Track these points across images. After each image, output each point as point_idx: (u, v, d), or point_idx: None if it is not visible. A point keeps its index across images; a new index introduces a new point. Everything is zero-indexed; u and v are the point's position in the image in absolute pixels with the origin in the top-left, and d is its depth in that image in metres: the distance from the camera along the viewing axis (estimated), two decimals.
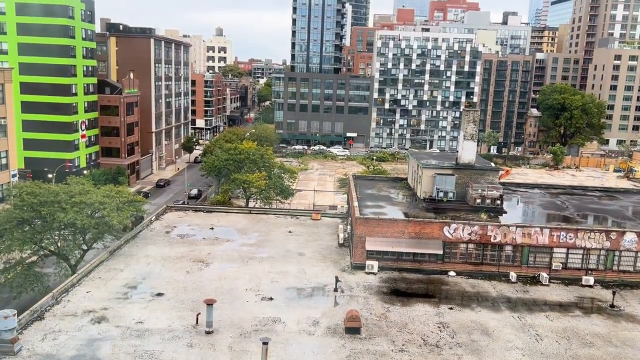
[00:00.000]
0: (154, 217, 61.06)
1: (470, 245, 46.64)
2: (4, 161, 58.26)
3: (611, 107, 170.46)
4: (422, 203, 55.10)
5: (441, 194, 54.31)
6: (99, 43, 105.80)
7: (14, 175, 59.78)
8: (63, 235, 48.78)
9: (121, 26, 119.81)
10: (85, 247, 49.74)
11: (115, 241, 51.29)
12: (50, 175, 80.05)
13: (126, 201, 52.27)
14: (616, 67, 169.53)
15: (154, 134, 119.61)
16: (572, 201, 61.02)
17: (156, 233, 55.58)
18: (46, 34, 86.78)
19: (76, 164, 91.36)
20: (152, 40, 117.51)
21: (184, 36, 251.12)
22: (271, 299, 40.11)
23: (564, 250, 46.42)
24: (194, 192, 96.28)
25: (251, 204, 78.17)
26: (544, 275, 45.73)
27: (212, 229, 57.72)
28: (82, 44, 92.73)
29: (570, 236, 46.21)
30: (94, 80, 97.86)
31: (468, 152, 57.61)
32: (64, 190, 48.94)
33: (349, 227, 54.89)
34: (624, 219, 53.69)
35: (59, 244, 48.21)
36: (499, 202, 52.83)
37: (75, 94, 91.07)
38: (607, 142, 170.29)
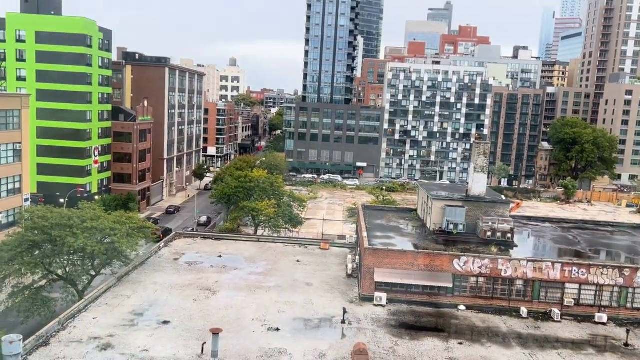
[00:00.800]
0: (163, 244, 61.08)
1: (481, 279, 46.02)
2: (17, 185, 58.93)
3: (623, 142, 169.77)
4: (432, 235, 54.72)
5: (451, 226, 53.94)
6: (115, 71, 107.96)
7: (26, 200, 60.34)
8: (72, 260, 48.86)
9: (137, 55, 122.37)
10: (93, 273, 49.72)
11: (123, 267, 51.26)
12: (62, 200, 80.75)
13: (136, 227, 52.45)
14: (627, 102, 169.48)
15: (165, 161, 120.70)
16: (584, 236, 60.29)
17: (164, 260, 55.52)
18: (64, 61, 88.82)
19: (88, 190, 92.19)
20: (166, 69, 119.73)
21: (199, 65, 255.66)
22: (278, 329, 39.63)
23: (576, 286, 45.63)
24: (204, 219, 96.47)
25: (260, 232, 78.06)
26: (556, 311, 44.87)
27: (220, 256, 57.56)
28: (98, 71, 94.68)
29: (582, 272, 45.48)
30: (109, 107, 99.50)
31: (478, 184, 57.41)
32: (76, 215, 49.27)
33: (357, 257, 54.51)
34: (637, 255, 52.85)
35: (67, 269, 48.25)
36: (509, 235, 52.33)
37: (90, 120, 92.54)
38: (619, 177, 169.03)
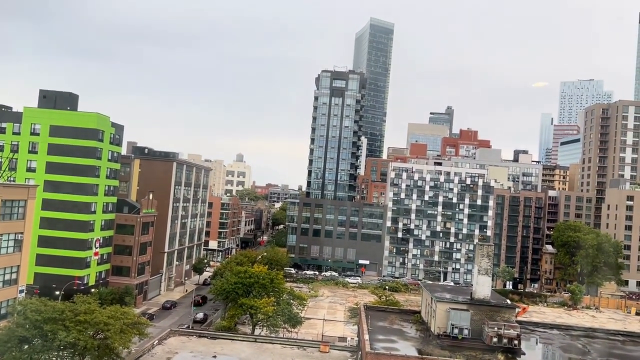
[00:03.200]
0: (157, 341, 58.94)
1: None
2: (14, 276, 57.98)
3: (628, 247, 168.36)
4: (436, 339, 52.71)
5: (456, 330, 52.10)
6: (124, 164, 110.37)
7: (21, 291, 59.14)
8: (62, 356, 46.95)
9: (146, 149, 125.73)
10: None
11: None
12: (57, 292, 79.16)
13: (130, 323, 50.88)
14: (629, 208, 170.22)
15: (166, 254, 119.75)
16: (594, 345, 57.91)
17: (157, 358, 53.24)
18: (75, 154, 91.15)
19: (85, 282, 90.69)
20: (174, 164, 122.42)
21: (206, 160, 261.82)
22: None
23: None
24: (200, 315, 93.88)
25: (257, 331, 75.46)
26: None
27: (214, 357, 55.22)
28: (107, 164, 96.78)
29: None
30: (114, 199, 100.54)
31: (483, 287, 56.21)
32: (69, 309, 48.05)
33: None
34: None
35: None
36: (516, 342, 50.35)
37: (94, 212, 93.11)
38: (626, 283, 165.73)
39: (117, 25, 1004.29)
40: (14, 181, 78.50)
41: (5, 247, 56.48)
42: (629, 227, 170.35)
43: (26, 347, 45.25)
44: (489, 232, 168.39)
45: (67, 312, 47.07)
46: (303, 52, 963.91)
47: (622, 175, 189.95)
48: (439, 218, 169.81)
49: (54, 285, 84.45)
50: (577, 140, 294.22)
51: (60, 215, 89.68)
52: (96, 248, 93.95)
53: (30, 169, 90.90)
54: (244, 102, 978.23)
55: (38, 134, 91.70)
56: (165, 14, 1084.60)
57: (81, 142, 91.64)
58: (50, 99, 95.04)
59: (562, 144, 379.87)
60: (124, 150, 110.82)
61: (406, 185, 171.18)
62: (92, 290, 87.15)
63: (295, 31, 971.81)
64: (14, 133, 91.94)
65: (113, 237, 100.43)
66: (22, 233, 58.47)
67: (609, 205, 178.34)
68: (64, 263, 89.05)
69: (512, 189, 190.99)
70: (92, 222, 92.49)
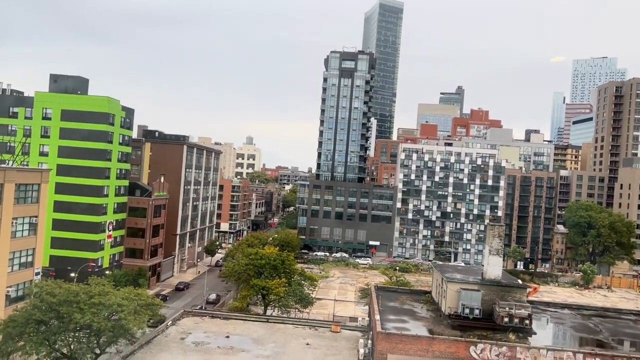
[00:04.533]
0: (171, 321, 59.86)
1: None
2: (29, 259, 58.95)
3: None
4: (447, 319, 52.98)
5: (467, 310, 52.29)
6: (135, 148, 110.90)
7: (37, 274, 60.13)
8: (77, 337, 47.84)
9: (157, 133, 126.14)
10: (98, 351, 48.42)
11: (129, 346, 49.95)
12: (72, 275, 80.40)
13: (144, 304, 51.60)
14: None
15: (178, 237, 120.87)
16: (606, 324, 57.91)
17: (171, 339, 54.12)
18: (86, 138, 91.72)
19: (99, 264, 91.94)
20: (184, 147, 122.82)
21: (216, 143, 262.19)
22: None
23: None
24: (213, 296, 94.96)
25: (269, 312, 76.31)
26: None
27: (227, 337, 56.03)
28: (118, 148, 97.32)
29: None
30: (126, 182, 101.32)
31: (494, 267, 56.21)
32: (83, 291, 48.81)
33: (369, 342, 52.68)
34: None
35: (72, 347, 47.13)
36: (527, 321, 50.47)
37: (107, 195, 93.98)
38: (638, 262, 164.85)
39: (125, 8, 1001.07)
40: (27, 165, 79.40)
41: (20, 230, 57.31)
42: None
43: (43, 328, 46.15)
44: (499, 213, 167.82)
45: (82, 294, 47.80)
46: (312, 33, 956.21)
47: (636, 154, 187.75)
48: (450, 199, 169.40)
49: (69, 268, 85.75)
50: (590, 119, 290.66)
51: (74, 198, 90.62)
52: (109, 231, 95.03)
53: (42, 153, 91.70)
54: (253, 85, 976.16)
55: (50, 119, 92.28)
56: None
57: (92, 126, 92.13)
58: (61, 83, 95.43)
59: (575, 123, 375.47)
60: (134, 134, 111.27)
61: (416, 166, 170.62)
62: (107, 272, 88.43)
63: (304, 12, 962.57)
64: (26, 118, 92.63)
65: (126, 220, 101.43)
66: (36, 216, 59.25)
67: (621, 185, 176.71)
68: (78, 246, 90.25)
69: (524, 169, 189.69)
70: (104, 205, 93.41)
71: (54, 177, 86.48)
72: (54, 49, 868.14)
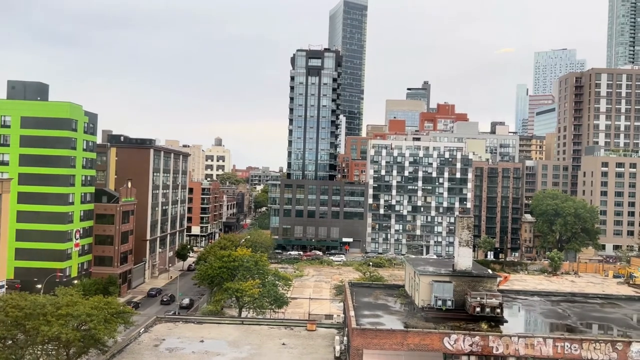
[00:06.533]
0: (143, 329, 58.76)
1: (472, 357, 44.53)
2: None
3: (604, 213, 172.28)
4: (421, 312, 53.49)
5: (439, 302, 52.88)
6: (100, 153, 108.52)
7: (1, 287, 58.33)
8: (46, 349, 46.60)
9: (122, 137, 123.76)
10: None
11: (100, 355, 48.89)
12: (39, 286, 78.25)
13: (115, 312, 50.62)
14: (604, 174, 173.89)
15: (148, 242, 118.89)
16: (574, 309, 59.42)
17: (144, 346, 53.14)
18: (49, 145, 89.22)
19: (67, 274, 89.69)
20: (151, 151, 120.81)
21: (184, 146, 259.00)
22: None
23: None
24: (186, 301, 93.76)
25: (244, 314, 75.78)
26: None
27: (202, 341, 55.34)
28: (82, 154, 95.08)
29: (575, 347, 44.35)
30: (92, 189, 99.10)
31: (464, 258, 57.00)
32: (50, 302, 47.54)
33: (345, 338, 52.78)
34: (629, 328, 51.95)
35: None
36: (499, 310, 51.32)
37: (72, 203, 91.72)
38: (603, 247, 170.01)
39: (86, 10, 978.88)
40: None
41: None
42: (604, 193, 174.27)
43: (9, 342, 44.78)
44: (468, 204, 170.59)
45: (49, 305, 46.58)
46: (278, 33, 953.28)
47: (597, 142, 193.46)
48: (420, 193, 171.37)
49: (36, 279, 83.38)
50: (552, 110, 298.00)
51: (38, 207, 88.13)
52: (76, 239, 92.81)
53: (3, 162, 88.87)
54: (220, 86, 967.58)
55: (9, 126, 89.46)
56: None
57: (54, 133, 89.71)
58: (19, 90, 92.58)
59: (538, 114, 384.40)
60: (99, 139, 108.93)
61: (386, 162, 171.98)
62: (75, 281, 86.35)
63: (268, 11, 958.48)
64: None
65: (93, 227, 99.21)
66: None
67: (584, 173, 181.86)
68: (45, 256, 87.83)
69: (490, 160, 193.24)
70: (70, 213, 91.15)
71: (15, 187, 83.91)
72: (9, 53, 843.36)
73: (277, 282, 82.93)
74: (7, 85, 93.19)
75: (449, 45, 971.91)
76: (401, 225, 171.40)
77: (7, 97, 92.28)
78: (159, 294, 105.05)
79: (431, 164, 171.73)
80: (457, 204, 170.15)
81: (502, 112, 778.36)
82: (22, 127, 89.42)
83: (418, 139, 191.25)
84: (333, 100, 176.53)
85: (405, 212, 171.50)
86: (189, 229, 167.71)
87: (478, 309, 51.19)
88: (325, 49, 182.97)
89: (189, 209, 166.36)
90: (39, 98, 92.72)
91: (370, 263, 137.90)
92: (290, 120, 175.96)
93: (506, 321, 51.03)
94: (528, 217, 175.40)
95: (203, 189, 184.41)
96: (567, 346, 44.37)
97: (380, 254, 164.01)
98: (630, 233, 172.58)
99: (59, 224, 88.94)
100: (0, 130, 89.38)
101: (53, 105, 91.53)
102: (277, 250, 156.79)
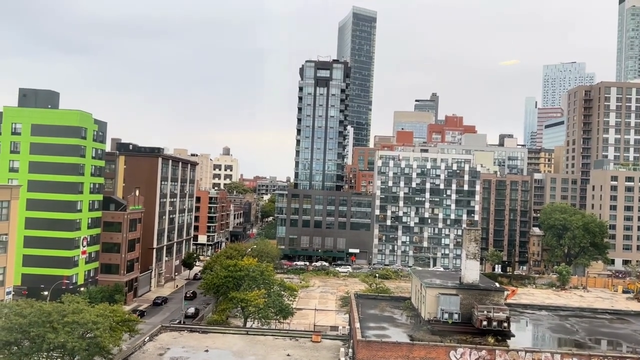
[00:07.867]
0: (148, 337, 58.70)
1: None
2: (0, 278, 57.39)
3: (613, 227, 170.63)
4: (427, 325, 53.09)
5: (446, 315, 52.49)
6: (108, 161, 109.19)
7: (8, 293, 58.51)
8: (51, 357, 46.60)
9: (131, 146, 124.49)
10: None
11: None
12: (45, 293, 78.45)
13: (120, 320, 50.62)
14: (614, 188, 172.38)
15: (155, 250, 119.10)
16: (582, 324, 58.76)
17: (148, 355, 53.06)
18: (58, 153, 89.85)
19: (74, 281, 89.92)
20: (159, 159, 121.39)
21: (192, 155, 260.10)
22: None
23: None
24: (191, 310, 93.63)
25: (249, 324, 75.52)
26: None
27: (207, 351, 55.19)
28: (91, 162, 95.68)
29: None
30: (100, 197, 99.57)
31: (471, 271, 56.63)
32: (56, 310, 47.60)
33: (350, 350, 52.44)
34: (638, 344, 51.25)
35: None
36: (505, 324, 50.87)
37: (80, 211, 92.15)
38: (612, 262, 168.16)
39: (96, 19, 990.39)
40: None
41: None
42: (613, 207, 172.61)
43: (15, 349, 44.82)
44: (476, 217, 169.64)
45: (54, 313, 46.62)
46: (287, 43, 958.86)
47: (606, 156, 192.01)
48: (427, 204, 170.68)
49: (42, 286, 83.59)
50: (561, 123, 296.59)
51: (46, 214, 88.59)
52: (84, 247, 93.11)
53: (12, 169, 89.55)
54: (229, 95, 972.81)
55: (19, 134, 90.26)
56: (145, 4, 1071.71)
57: (64, 140, 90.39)
58: (31, 98, 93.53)
59: (547, 126, 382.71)
60: (108, 147, 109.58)
61: (393, 173, 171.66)
62: (81, 289, 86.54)
63: (278, 23, 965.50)
64: None
65: (100, 235, 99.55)
66: (6, 234, 57.75)
67: (593, 186, 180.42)
68: (52, 263, 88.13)
69: (499, 173, 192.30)
70: (78, 220, 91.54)
71: (25, 194, 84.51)
72: (21, 61, 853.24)
73: (282, 292, 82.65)
74: (18, 93, 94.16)
75: (457, 57, 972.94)
76: (408, 237, 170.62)
77: (18, 105, 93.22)
78: (165, 303, 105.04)
79: (439, 175, 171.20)
80: (464, 216, 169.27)
81: (510, 125, 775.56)
82: (33, 134, 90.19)
83: (426, 151, 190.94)
84: (341, 111, 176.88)
85: (412, 224, 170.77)
86: (195, 237, 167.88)
87: (485, 323, 50.76)
88: (334, 60, 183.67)
89: (196, 218, 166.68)
90: (49, 106, 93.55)
91: (377, 274, 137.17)
92: (298, 131, 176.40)
93: (513, 335, 50.57)
94: (536, 230, 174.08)
95: (210, 198, 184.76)
96: None
97: (387, 265, 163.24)
98: None
99: (66, 231, 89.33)
100: (11, 137, 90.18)
101: (63, 114, 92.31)
102: (282, 260, 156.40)
